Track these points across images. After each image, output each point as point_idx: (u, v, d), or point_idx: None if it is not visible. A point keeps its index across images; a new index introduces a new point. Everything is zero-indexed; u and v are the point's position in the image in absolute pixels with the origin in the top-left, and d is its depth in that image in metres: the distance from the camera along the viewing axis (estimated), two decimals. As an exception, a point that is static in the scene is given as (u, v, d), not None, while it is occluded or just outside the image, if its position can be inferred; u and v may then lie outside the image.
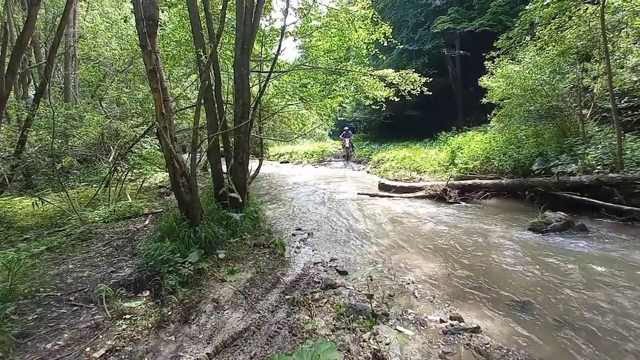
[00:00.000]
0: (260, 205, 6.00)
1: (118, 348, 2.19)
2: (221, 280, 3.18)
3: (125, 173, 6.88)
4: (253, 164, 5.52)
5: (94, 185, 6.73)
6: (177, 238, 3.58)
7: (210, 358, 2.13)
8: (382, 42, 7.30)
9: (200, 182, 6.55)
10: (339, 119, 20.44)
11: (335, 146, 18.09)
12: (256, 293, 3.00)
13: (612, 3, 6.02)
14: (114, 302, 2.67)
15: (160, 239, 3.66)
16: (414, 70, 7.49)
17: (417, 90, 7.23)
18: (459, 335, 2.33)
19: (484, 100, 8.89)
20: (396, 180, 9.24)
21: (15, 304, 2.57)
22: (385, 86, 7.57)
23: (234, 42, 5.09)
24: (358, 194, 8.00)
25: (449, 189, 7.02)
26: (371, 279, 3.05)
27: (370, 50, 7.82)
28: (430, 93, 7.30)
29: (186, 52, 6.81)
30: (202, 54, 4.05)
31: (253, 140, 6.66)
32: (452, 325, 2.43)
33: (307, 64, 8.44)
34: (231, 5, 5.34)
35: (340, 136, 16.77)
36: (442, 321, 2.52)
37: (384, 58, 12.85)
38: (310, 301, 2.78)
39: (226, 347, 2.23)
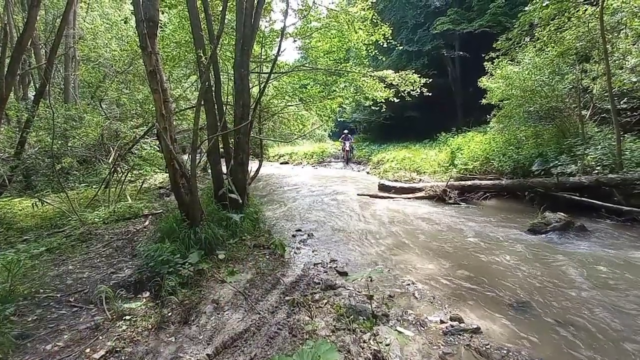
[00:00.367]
0: (260, 206, 5.99)
1: (118, 349, 2.19)
2: (221, 281, 3.18)
3: (125, 174, 6.88)
4: (253, 165, 5.51)
5: (94, 186, 6.72)
6: (177, 239, 3.57)
7: (210, 359, 2.13)
8: (381, 43, 7.31)
9: (200, 183, 6.56)
10: (338, 119, 20.44)
11: (335, 147, 18.03)
12: (256, 294, 2.99)
13: (611, 4, 6.03)
14: (113, 303, 2.67)
15: (160, 240, 3.65)
16: (413, 71, 7.51)
17: (417, 91, 7.26)
18: (459, 336, 2.33)
19: (484, 101, 8.90)
20: (396, 181, 9.23)
21: (14, 305, 2.57)
22: (385, 87, 7.59)
23: (233, 43, 5.09)
24: (358, 194, 8.00)
25: (448, 190, 7.03)
26: (371, 280, 3.05)
27: (370, 51, 7.86)
28: (430, 94, 7.33)
29: (186, 53, 6.81)
30: (202, 55, 4.04)
31: (253, 141, 6.65)
32: (452, 326, 2.43)
33: (306, 65, 8.44)
34: (231, 6, 5.35)
35: (340, 139, 16.61)
36: (442, 322, 2.52)
37: (384, 59, 12.90)
38: (310, 302, 2.78)
39: (226, 348, 2.23)
